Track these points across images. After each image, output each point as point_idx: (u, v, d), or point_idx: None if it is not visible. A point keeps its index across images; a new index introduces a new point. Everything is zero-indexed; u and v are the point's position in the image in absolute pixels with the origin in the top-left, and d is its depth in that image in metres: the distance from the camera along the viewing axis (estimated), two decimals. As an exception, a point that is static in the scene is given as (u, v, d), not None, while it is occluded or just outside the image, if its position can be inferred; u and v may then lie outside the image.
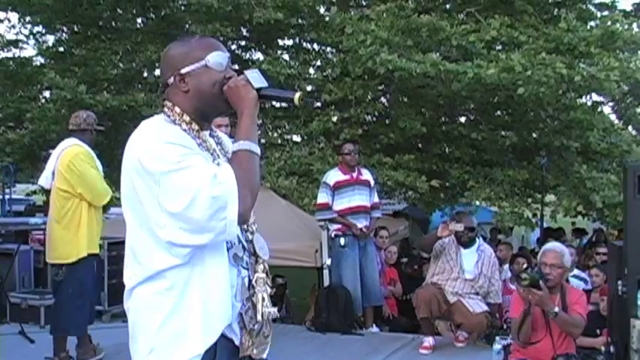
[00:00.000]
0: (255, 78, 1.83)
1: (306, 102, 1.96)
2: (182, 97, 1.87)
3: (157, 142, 1.72)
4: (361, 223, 6.80)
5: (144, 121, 1.83)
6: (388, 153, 10.30)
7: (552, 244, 4.64)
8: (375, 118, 11.41)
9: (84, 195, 4.80)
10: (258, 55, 11.51)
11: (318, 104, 11.39)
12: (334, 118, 10.28)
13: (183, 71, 1.86)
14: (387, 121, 11.34)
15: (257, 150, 1.78)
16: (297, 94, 1.81)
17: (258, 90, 1.83)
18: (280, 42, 11.72)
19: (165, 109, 1.88)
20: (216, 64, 1.87)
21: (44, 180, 4.89)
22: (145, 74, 11.41)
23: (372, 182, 7.03)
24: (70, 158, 4.83)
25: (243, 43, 11.93)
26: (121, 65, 10.93)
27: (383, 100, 11.58)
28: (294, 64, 10.37)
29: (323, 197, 6.82)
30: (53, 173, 4.88)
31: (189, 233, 1.68)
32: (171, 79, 1.88)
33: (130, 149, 1.76)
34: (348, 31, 9.01)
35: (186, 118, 1.86)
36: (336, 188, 6.82)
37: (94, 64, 10.67)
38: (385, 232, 8.36)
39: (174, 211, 1.68)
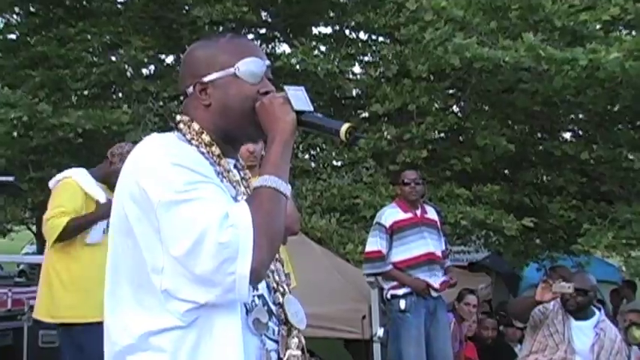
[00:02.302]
0: (299, 98, 1.93)
1: (355, 137, 1.81)
2: (202, 111, 1.98)
3: (161, 163, 1.81)
4: (430, 279, 6.85)
5: (150, 135, 1.92)
6: (462, 182, 10.44)
7: None
8: (444, 135, 11.62)
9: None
10: (285, 48, 12.01)
11: (365, 114, 11.88)
12: (388, 135, 10.50)
13: (205, 79, 1.97)
14: (460, 139, 11.61)
15: (286, 190, 1.85)
16: (345, 126, 1.88)
17: (299, 113, 1.92)
18: (315, 30, 12.18)
19: (181, 125, 1.98)
20: (248, 73, 1.96)
21: None
22: (130, 74, 11.73)
23: (440, 224, 7.16)
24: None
25: (263, 31, 12.42)
26: (94, 69, 11.16)
27: (455, 108, 11.81)
28: (333, 57, 10.55)
29: (375, 243, 6.88)
30: None
31: (191, 284, 1.76)
32: (191, 89, 1.99)
33: (126, 169, 1.86)
34: (410, 6, 9.16)
35: (206, 138, 1.97)
36: (395, 231, 6.89)
37: (60, 62, 11.03)
38: (474, 299, 8.29)
39: (174, 255, 1.76)
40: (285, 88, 1.93)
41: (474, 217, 9.60)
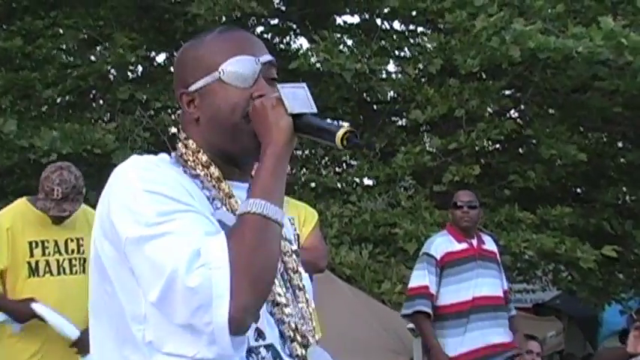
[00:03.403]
0: (297, 97, 1.94)
1: (353, 143, 1.82)
2: (194, 127, 2.04)
3: (132, 191, 1.86)
4: (495, 333, 6.81)
5: (132, 156, 1.99)
6: (525, 203, 10.36)
7: None
8: (500, 146, 11.73)
9: None
10: (302, 42, 12.11)
11: (401, 123, 12.03)
12: (432, 147, 10.58)
13: (191, 89, 2.02)
14: (520, 150, 11.73)
15: (277, 215, 1.86)
16: (341, 131, 1.90)
17: (296, 117, 1.92)
18: (339, 19, 12.14)
19: (179, 144, 2.05)
20: (235, 75, 1.99)
21: None
22: (113, 78, 11.51)
23: (499, 257, 7.20)
24: None
25: (275, 21, 12.37)
26: (69, 71, 11.04)
27: (513, 113, 11.90)
28: (362, 53, 10.48)
29: (422, 277, 6.89)
30: None
31: (174, 334, 1.80)
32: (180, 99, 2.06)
33: (101, 198, 1.92)
34: None
35: (203, 157, 2.02)
36: (447, 265, 6.89)
37: (26, 63, 10.88)
38: (536, 346, 8.32)
39: (150, 300, 1.80)
40: (278, 86, 1.94)
41: (540, 247, 9.54)
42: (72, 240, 5.25)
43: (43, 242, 5.28)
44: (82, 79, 10.94)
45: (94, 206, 2.17)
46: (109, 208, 1.88)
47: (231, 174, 2.04)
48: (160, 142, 10.55)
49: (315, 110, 1.94)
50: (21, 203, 5.38)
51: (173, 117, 10.85)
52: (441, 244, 6.88)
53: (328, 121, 2.03)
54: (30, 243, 5.21)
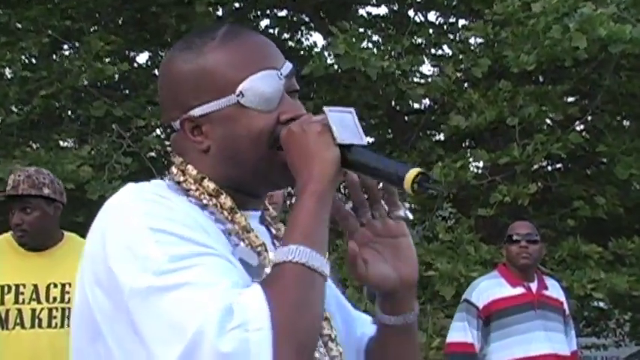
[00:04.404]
0: (345, 124, 1.94)
1: (426, 188, 1.74)
2: (199, 156, 2.00)
3: (136, 229, 1.83)
4: None
5: (125, 186, 1.98)
6: (593, 235, 10.55)
7: None
8: (562, 166, 12.03)
9: None
10: (316, 39, 12.39)
11: (439, 137, 12.01)
12: (477, 162, 10.82)
13: (195, 113, 1.97)
14: (587, 171, 11.79)
15: (322, 266, 1.84)
16: (412, 172, 1.86)
17: (345, 148, 1.92)
18: (361, 11, 12.32)
19: (173, 169, 2.03)
20: (259, 98, 1.96)
21: None
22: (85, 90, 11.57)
23: (568, 308, 7.13)
24: None
25: (283, 13, 12.41)
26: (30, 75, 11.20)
27: (578, 125, 11.74)
28: (391, 50, 10.59)
29: (463, 330, 6.86)
30: None
31: None
32: (177, 124, 2.01)
33: (90, 238, 1.90)
34: None
35: (210, 185, 1.99)
36: (495, 316, 6.83)
37: None
38: None
39: None
40: (326, 109, 1.90)
41: (613, 289, 9.52)
42: (55, 285, 5.15)
43: (17, 287, 5.23)
44: (51, 97, 11.11)
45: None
46: (104, 251, 1.84)
47: (244, 203, 2.02)
48: (144, 168, 10.64)
49: (364, 142, 1.92)
50: (2, 239, 5.36)
51: (158, 136, 10.73)
52: (487, 289, 6.85)
53: (379, 155, 1.97)
54: (2, 287, 5.19)
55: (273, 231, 2.10)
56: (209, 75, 1.97)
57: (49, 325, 5.20)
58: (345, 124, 1.93)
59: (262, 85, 1.96)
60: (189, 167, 2.01)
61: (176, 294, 1.76)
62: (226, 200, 2.00)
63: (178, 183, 2.01)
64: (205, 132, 1.97)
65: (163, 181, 2.03)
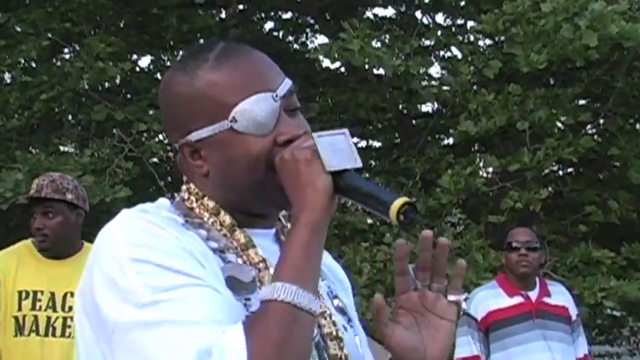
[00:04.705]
0: (337, 148, 1.95)
1: (410, 219, 1.82)
2: (200, 178, 2.04)
3: (120, 258, 1.85)
4: None
5: (123, 210, 2.03)
6: (605, 241, 10.37)
7: None
8: (574, 170, 12.02)
9: None
10: (322, 41, 12.03)
11: (448, 141, 12.15)
12: (486, 168, 10.80)
13: (192, 138, 2.00)
14: (599, 176, 11.82)
15: (310, 304, 1.85)
16: (398, 202, 1.89)
17: (337, 174, 1.93)
18: (368, 12, 12.27)
19: (183, 187, 2.10)
20: (253, 123, 1.97)
21: None
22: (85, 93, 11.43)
23: (575, 313, 7.07)
24: None
25: (288, 15, 12.53)
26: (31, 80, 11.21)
27: (590, 129, 11.72)
28: (399, 49, 10.46)
29: (468, 345, 6.86)
30: None
31: None
32: (177, 146, 2.07)
33: (89, 260, 1.94)
34: None
35: (210, 203, 2.04)
36: (492, 327, 6.87)
37: None
38: None
39: None
40: (314, 136, 1.92)
41: (625, 296, 9.44)
42: (72, 295, 5.04)
43: (35, 293, 5.28)
44: (52, 100, 11.03)
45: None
46: (92, 283, 1.87)
47: (251, 223, 2.04)
48: (146, 173, 10.64)
49: (359, 165, 1.94)
50: (22, 245, 5.43)
51: (161, 141, 10.70)
52: (483, 300, 6.87)
53: (371, 182, 2.00)
54: (20, 293, 5.23)
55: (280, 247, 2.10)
56: (203, 99, 1.98)
57: (63, 335, 5.23)
58: (336, 148, 1.93)
59: (255, 109, 1.96)
60: (192, 186, 2.05)
61: (156, 332, 1.76)
62: (225, 217, 2.01)
63: (183, 200, 2.04)
64: (204, 156, 1.99)
65: (169, 199, 2.06)
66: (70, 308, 5.07)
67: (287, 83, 2.01)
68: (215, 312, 1.84)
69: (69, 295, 5.14)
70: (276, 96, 1.97)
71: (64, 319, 5.15)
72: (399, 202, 1.87)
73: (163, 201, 2.07)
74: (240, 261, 2.00)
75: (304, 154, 1.90)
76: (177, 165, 2.11)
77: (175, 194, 2.09)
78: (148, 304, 1.78)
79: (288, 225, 2.13)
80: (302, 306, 1.83)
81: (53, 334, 5.16)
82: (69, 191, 5.16)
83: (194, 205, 2.03)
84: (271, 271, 2.01)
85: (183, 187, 2.08)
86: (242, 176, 1.98)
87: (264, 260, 2.01)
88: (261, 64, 2.02)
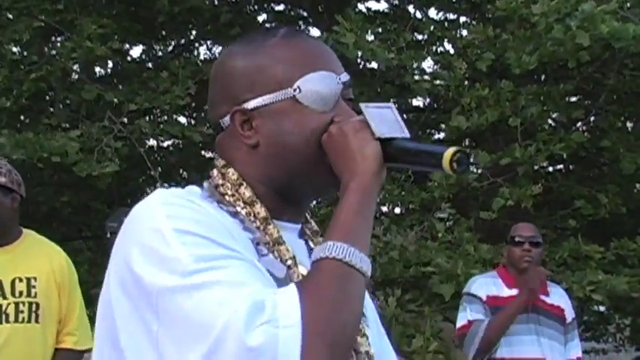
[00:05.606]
0: (384, 119, 1.98)
1: (463, 166, 1.85)
2: (246, 154, 2.03)
3: (161, 231, 1.87)
4: None
5: (157, 189, 2.05)
6: (594, 236, 10.66)
7: None
8: (564, 167, 12.20)
9: None
10: (315, 33, 12.20)
11: (440, 135, 12.29)
12: (478, 164, 10.64)
13: (248, 106, 2.01)
14: (590, 173, 11.92)
15: (363, 264, 1.86)
16: (450, 151, 1.92)
17: (386, 141, 1.95)
18: (361, 6, 12.42)
19: (214, 171, 2.07)
20: (315, 96, 2.00)
21: None
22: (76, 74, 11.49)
23: (571, 316, 7.06)
24: None
25: (280, 7, 12.61)
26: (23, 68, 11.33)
27: (581, 126, 11.83)
28: (392, 43, 10.57)
29: (464, 318, 6.88)
30: None
31: None
32: (227, 119, 2.03)
33: (118, 241, 1.95)
34: None
35: (246, 192, 2.02)
36: (492, 311, 6.87)
37: None
38: None
39: None
40: (362, 106, 1.94)
41: (613, 290, 9.56)
42: (20, 280, 5.13)
43: None
44: (41, 80, 11.07)
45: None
46: (130, 256, 1.86)
47: (281, 213, 2.03)
48: (135, 154, 10.76)
49: (407, 134, 1.95)
50: None
51: (149, 121, 10.73)
52: (484, 285, 6.89)
53: (419, 142, 2.12)
54: None
55: (312, 245, 2.09)
56: (268, 68, 1.99)
57: (17, 320, 5.17)
58: (384, 119, 1.95)
59: (320, 84, 1.98)
60: (230, 171, 2.03)
61: (204, 293, 1.77)
62: (260, 210, 2.01)
63: (216, 186, 2.03)
64: (256, 126, 1.99)
65: (199, 187, 2.05)
66: (21, 293, 5.10)
67: (347, 75, 2.04)
68: (262, 280, 1.86)
69: (17, 280, 5.12)
70: (339, 79, 2.00)
71: (16, 304, 5.11)
72: (450, 151, 1.90)
73: (193, 187, 2.07)
74: (271, 256, 2.00)
75: (353, 125, 1.93)
76: (215, 147, 2.10)
77: (204, 182, 2.07)
78: (194, 272, 1.79)
79: (312, 222, 2.16)
80: (353, 264, 1.85)
81: (7, 321, 5.11)
82: (2, 174, 5.07)
83: (228, 192, 2.03)
84: (300, 268, 2.03)
85: (215, 172, 2.07)
86: (294, 149, 1.99)
87: (294, 257, 2.02)
88: (326, 48, 2.06)
